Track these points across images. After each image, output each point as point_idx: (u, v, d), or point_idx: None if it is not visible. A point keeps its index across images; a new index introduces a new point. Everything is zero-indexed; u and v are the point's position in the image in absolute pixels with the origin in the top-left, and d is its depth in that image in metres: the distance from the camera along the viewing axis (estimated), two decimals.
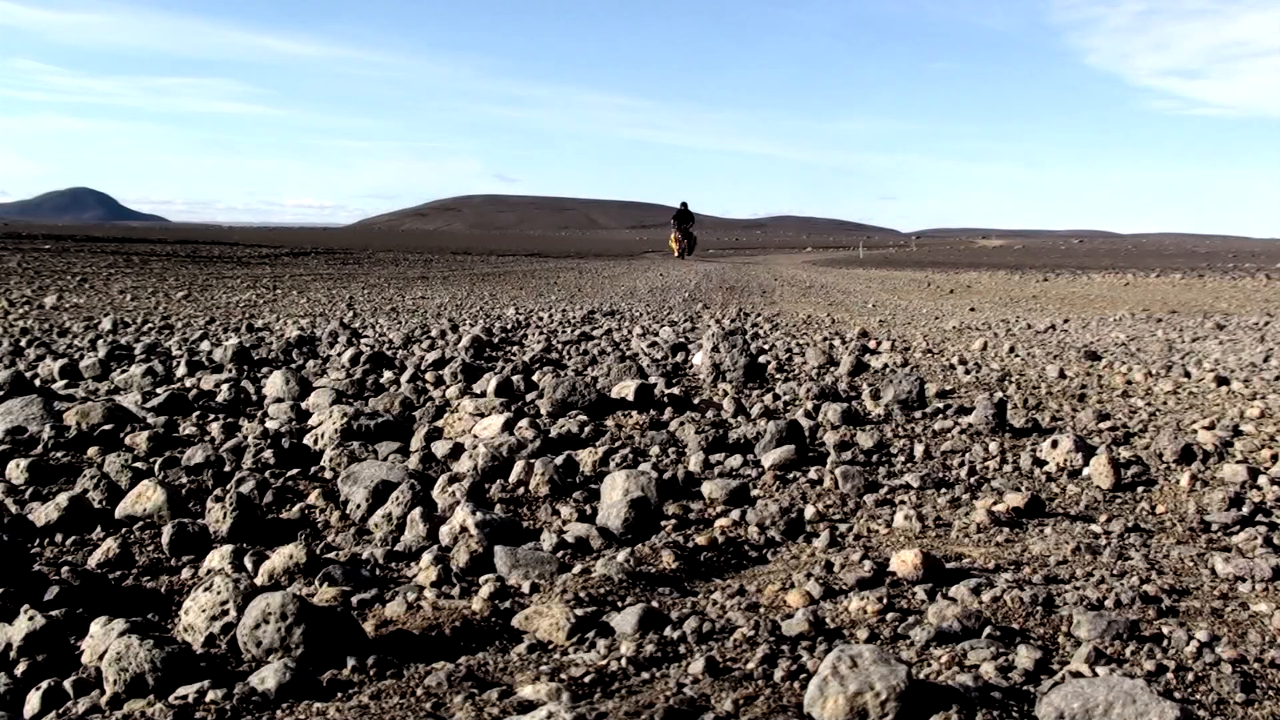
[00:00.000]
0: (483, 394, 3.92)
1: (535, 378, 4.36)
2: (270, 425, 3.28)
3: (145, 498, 2.23)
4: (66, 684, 1.35)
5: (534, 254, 32.19)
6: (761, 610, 1.68)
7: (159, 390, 3.83)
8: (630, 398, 3.74)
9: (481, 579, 1.82)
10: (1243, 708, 1.33)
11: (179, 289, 10.65)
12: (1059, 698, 1.24)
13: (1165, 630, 1.56)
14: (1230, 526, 2.23)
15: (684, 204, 32.77)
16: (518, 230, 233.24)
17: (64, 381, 4.24)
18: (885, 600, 1.68)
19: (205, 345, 5.56)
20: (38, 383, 4.14)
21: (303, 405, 3.58)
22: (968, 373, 4.97)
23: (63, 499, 2.19)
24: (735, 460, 2.85)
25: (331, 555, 2.02)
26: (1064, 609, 1.66)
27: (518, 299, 10.92)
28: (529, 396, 3.91)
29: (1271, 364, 5.24)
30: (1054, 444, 2.89)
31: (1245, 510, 2.34)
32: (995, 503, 2.40)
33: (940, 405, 3.83)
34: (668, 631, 1.54)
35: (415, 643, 1.52)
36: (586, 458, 2.81)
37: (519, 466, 2.59)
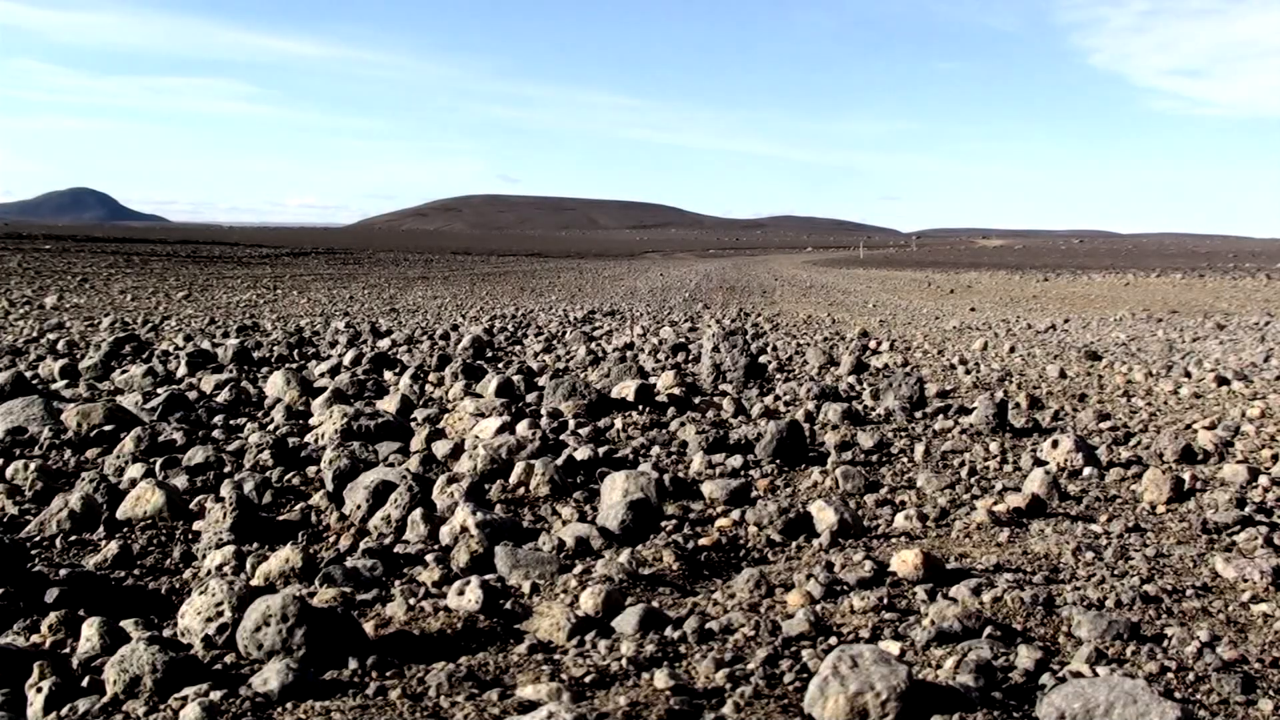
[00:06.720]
0: (483, 394, 3.92)
1: (536, 378, 4.36)
2: (270, 425, 3.28)
3: (145, 499, 2.23)
4: (67, 684, 1.35)
5: (534, 254, 32.08)
6: (762, 610, 1.68)
7: (159, 390, 3.83)
8: (630, 398, 3.73)
9: (482, 579, 1.81)
10: (1243, 708, 1.32)
11: (179, 289, 10.64)
12: (1059, 698, 1.24)
13: (1166, 630, 1.56)
14: (1230, 526, 2.23)
15: None
16: (518, 230, 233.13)
17: (64, 381, 4.24)
18: (885, 600, 1.68)
19: (205, 345, 5.55)
20: (38, 383, 4.14)
21: (303, 405, 3.58)
22: (968, 373, 4.96)
23: (64, 500, 2.19)
24: (735, 460, 2.85)
25: (332, 556, 2.02)
26: (1064, 609, 1.66)
27: (518, 299, 10.92)
28: (529, 397, 3.91)
29: (1272, 364, 5.24)
30: (1054, 444, 2.88)
31: (1245, 510, 2.33)
32: (996, 502, 2.40)
33: (941, 405, 3.82)
34: (668, 631, 1.54)
35: (416, 643, 1.52)
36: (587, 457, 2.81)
37: (519, 467, 2.58)
